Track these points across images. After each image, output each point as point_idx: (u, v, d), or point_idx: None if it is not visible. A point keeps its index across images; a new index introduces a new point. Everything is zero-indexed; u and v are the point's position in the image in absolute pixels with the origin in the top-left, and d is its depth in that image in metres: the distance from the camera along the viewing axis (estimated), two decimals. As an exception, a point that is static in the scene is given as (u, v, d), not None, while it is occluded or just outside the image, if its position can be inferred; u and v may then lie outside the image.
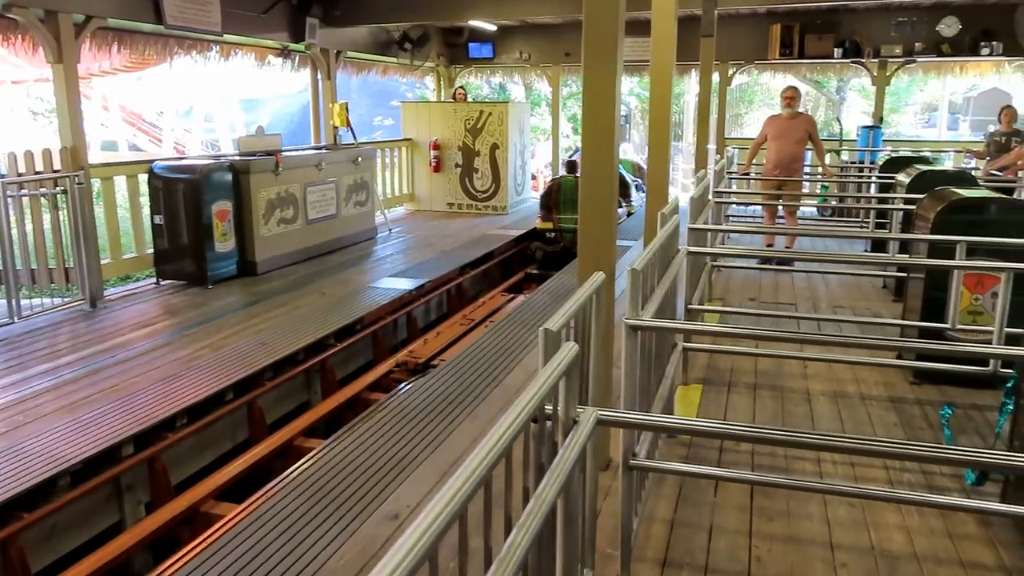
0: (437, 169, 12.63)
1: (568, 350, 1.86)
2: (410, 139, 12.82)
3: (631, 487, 2.79)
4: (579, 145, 17.02)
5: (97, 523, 4.25)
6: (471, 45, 13.88)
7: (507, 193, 12.52)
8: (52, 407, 4.64)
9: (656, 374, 3.54)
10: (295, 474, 4.33)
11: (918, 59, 11.62)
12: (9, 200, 6.25)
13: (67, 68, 6.84)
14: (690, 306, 4.74)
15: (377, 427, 4.31)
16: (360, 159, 9.85)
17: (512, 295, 8.90)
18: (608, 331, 3.42)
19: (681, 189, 17.74)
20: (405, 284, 7.73)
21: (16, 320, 6.21)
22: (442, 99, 14.16)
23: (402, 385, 5.99)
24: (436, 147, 12.54)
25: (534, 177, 15.69)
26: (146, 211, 7.79)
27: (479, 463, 1.29)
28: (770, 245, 8.43)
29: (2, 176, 6.48)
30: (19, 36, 7.19)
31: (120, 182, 8.09)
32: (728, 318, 5.97)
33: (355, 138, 10.62)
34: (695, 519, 3.28)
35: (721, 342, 4.96)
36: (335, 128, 10.65)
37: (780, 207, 8.67)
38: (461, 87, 14.30)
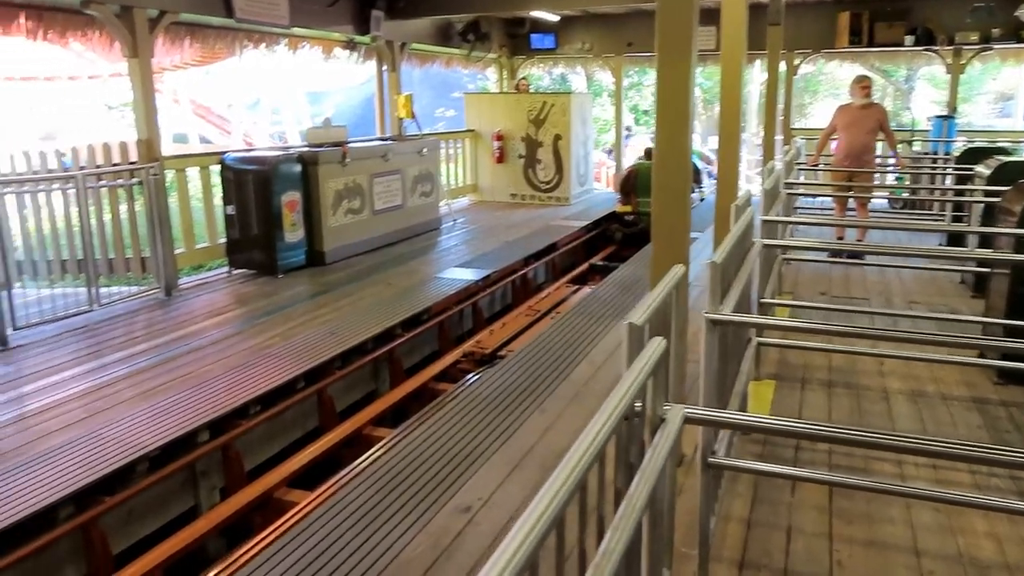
0: (500, 160, 12.63)
1: (656, 346, 1.81)
2: (473, 130, 12.83)
3: (709, 485, 2.73)
4: (622, 136, 16.89)
5: (173, 508, 4.35)
6: (533, 36, 13.82)
7: (570, 184, 12.44)
8: (129, 394, 4.77)
9: (732, 369, 3.47)
10: (366, 463, 4.39)
11: (995, 46, 11.11)
12: (88, 191, 6.47)
13: (142, 62, 7.03)
14: (763, 300, 4.62)
15: (446, 418, 4.32)
16: (425, 150, 9.90)
17: (577, 286, 8.85)
18: (684, 325, 3.35)
19: (745, 180, 17.37)
20: (470, 275, 7.75)
21: (95, 307, 6.42)
22: (504, 90, 14.15)
23: (469, 376, 6.01)
24: (499, 138, 12.53)
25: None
26: (218, 201, 7.97)
27: (575, 465, 1.26)
28: (840, 238, 8.19)
29: (81, 168, 6.71)
30: (96, 32, 7.41)
31: (193, 173, 8.29)
32: (799, 312, 5.81)
33: (420, 129, 10.69)
34: (772, 519, 3.19)
35: (792, 337, 4.83)
36: (400, 119, 10.72)
37: (851, 199, 8.41)
38: (524, 78, 14.26)
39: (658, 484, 1.69)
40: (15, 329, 5.72)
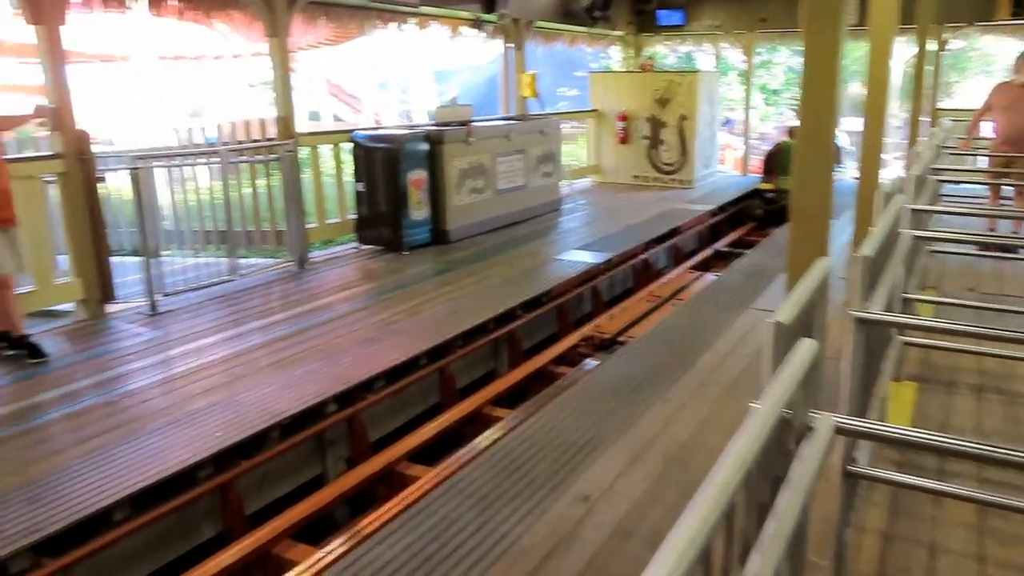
0: (624, 141, 12.40)
1: (807, 349, 1.70)
2: (596, 110, 12.65)
3: (847, 495, 2.58)
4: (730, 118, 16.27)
5: (302, 474, 4.53)
6: (660, 12, 13.46)
7: (694, 166, 12.09)
8: (265, 362, 4.99)
9: (872, 370, 3.26)
10: (485, 444, 4.43)
11: None
12: (230, 166, 6.80)
13: (280, 42, 7.30)
14: (906, 295, 4.32)
15: (566, 403, 4.29)
16: (547, 130, 9.85)
17: (699, 272, 8.62)
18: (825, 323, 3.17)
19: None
20: (590, 257, 7.68)
21: (234, 278, 6.75)
22: (629, 69, 13.87)
23: (587, 360, 5.97)
24: (623, 118, 12.29)
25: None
26: (347, 178, 8.21)
27: (723, 487, 1.17)
28: (992, 229, 7.57)
29: (225, 144, 7.06)
30: (238, 12, 7.73)
31: (324, 151, 8.57)
32: (945, 310, 5.41)
33: (543, 108, 10.64)
34: (912, 534, 2.99)
35: (938, 337, 4.49)
36: (523, 98, 10.70)
37: (1008, 187, 7.75)
38: (649, 57, 13.92)
39: (808, 500, 1.59)
40: (165, 295, 6.10)
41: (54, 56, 5.63)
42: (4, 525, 3.27)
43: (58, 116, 5.61)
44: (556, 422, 4.08)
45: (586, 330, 6.54)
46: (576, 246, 8.17)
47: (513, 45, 11.16)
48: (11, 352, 5.01)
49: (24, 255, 5.06)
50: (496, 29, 10.97)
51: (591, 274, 7.47)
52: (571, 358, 6.17)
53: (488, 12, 10.35)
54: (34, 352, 5.00)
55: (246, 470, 4.05)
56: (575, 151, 12.55)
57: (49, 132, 5.67)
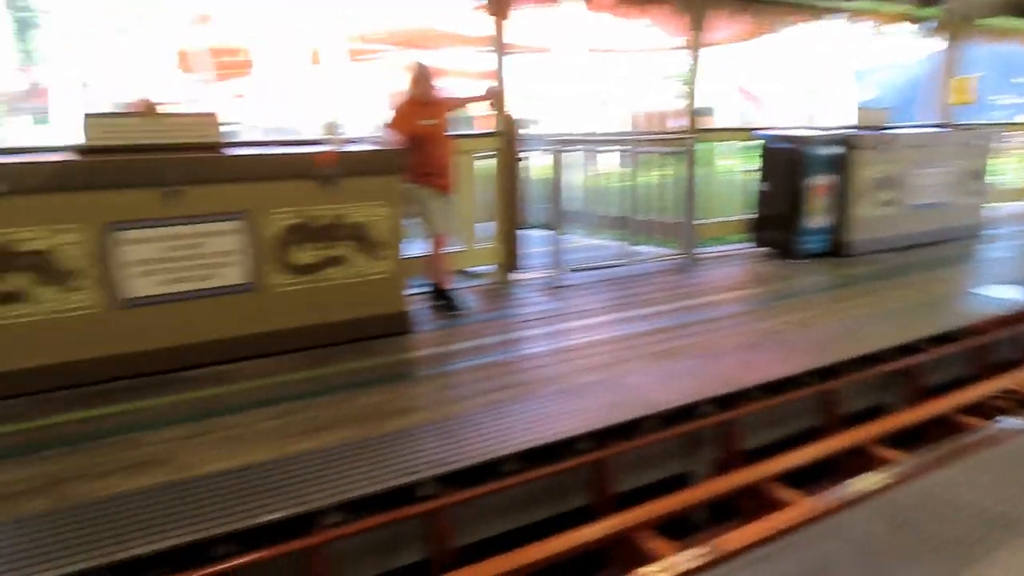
0: (1084, 162, 10.40)
1: None
2: (1049, 123, 10.75)
3: None
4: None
5: (669, 467, 4.54)
6: None
7: None
8: (648, 350, 5.10)
9: None
10: (871, 487, 4.04)
11: None
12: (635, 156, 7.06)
13: (699, 37, 7.34)
14: None
15: (982, 463, 3.72)
16: (977, 142, 8.63)
17: None
18: None
19: None
20: (1019, 295, 6.59)
21: (627, 263, 7.02)
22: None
23: (1005, 416, 5.14)
24: (1091, 134, 10.29)
25: None
26: (738, 177, 8.04)
27: None
28: None
29: (634, 134, 7.33)
30: (664, 8, 7.90)
31: (722, 148, 8.49)
32: None
33: (980, 117, 9.36)
34: None
35: None
36: (950, 105, 9.51)
37: None
38: None
39: None
40: (572, 271, 6.57)
41: (500, 46, 6.30)
42: (418, 454, 3.78)
43: (499, 99, 6.28)
44: (966, 482, 3.55)
45: (1007, 381, 5.61)
46: (1001, 280, 7.06)
47: (952, 44, 9.91)
48: (438, 302, 5.79)
49: (453, 219, 5.82)
50: (939, 26, 9.81)
51: (1019, 316, 6.40)
52: (984, 409, 5.35)
53: (925, 7, 9.32)
54: (453, 305, 5.72)
55: (621, 452, 4.17)
56: (1011, 168, 10.79)
57: (494, 113, 6.38)
